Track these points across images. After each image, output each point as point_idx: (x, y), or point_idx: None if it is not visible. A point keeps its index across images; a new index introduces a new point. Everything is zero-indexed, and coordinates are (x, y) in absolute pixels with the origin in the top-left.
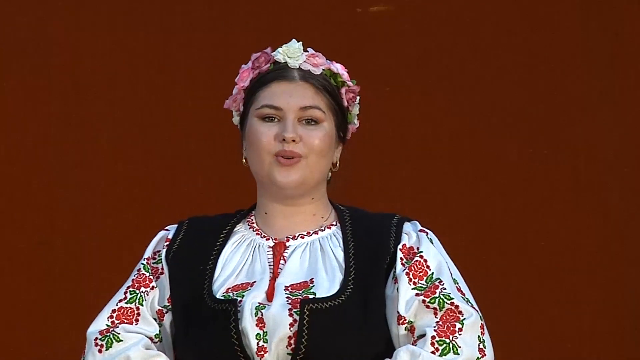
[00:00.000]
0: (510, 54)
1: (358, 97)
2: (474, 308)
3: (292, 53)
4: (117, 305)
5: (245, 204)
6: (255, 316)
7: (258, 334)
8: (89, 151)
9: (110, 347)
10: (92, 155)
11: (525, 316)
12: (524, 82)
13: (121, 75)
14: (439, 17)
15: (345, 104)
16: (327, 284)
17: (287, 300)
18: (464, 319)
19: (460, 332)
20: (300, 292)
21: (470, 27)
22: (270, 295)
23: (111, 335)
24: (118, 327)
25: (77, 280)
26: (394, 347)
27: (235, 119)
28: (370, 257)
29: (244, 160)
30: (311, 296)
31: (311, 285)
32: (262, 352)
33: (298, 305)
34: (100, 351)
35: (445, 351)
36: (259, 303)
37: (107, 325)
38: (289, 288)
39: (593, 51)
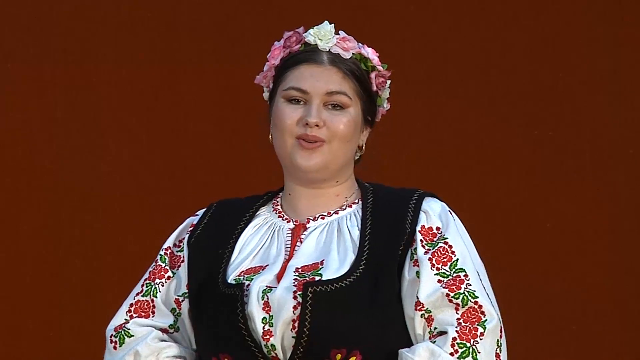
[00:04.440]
0: (515, 36)
1: (389, 81)
2: (495, 310)
3: (323, 35)
4: (134, 299)
5: (255, 190)
6: (262, 300)
7: (264, 317)
8: (94, 135)
9: (123, 343)
10: (98, 140)
11: (531, 298)
12: (529, 64)
13: (127, 59)
14: (444, 0)
15: (375, 88)
16: (337, 265)
17: (294, 283)
18: (486, 321)
19: (481, 337)
20: (308, 273)
21: (476, 10)
22: (280, 277)
23: (122, 332)
24: (129, 322)
25: (83, 262)
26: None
27: (266, 95)
28: (386, 235)
29: (270, 137)
30: (317, 278)
31: (320, 266)
32: (268, 336)
33: (302, 287)
34: (115, 348)
35: (464, 355)
36: (266, 286)
37: (126, 319)
38: (299, 270)
39: (598, 33)
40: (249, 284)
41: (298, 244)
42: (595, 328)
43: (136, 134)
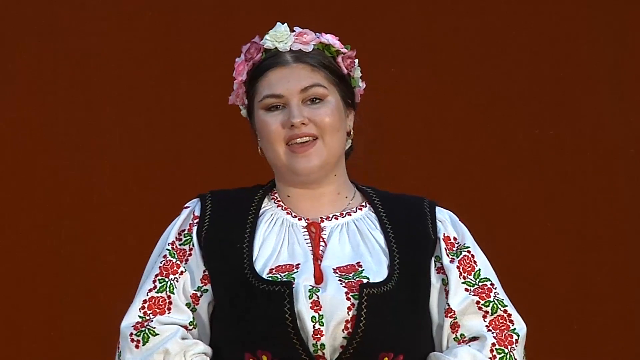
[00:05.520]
0: (516, 34)
1: (357, 60)
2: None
3: (280, 37)
4: (147, 295)
5: (252, 184)
6: (310, 299)
7: (313, 316)
8: (94, 135)
9: (147, 341)
10: (98, 140)
11: (531, 297)
12: (530, 63)
13: (127, 57)
14: (444, 0)
15: (345, 71)
16: (375, 268)
17: (341, 284)
18: (516, 329)
19: (516, 344)
20: (351, 275)
21: (476, 8)
22: (318, 277)
23: (146, 330)
24: (152, 320)
25: (83, 262)
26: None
27: (243, 112)
28: (412, 242)
29: (259, 151)
30: (365, 280)
31: (360, 269)
32: (319, 335)
33: (354, 289)
34: (137, 347)
35: None
36: (311, 286)
37: (140, 317)
38: (337, 271)
39: (599, 32)
40: (293, 282)
41: (322, 244)
42: (595, 328)
43: (136, 134)
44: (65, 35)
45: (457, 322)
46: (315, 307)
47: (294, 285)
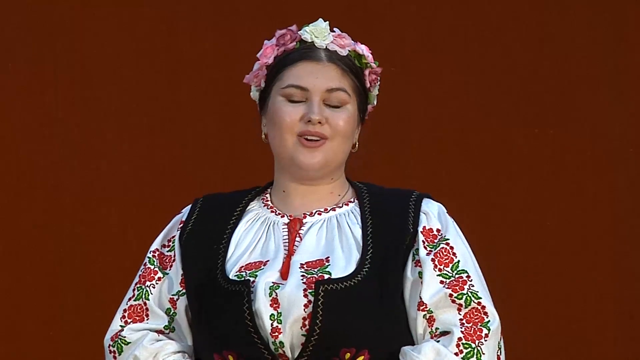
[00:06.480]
0: (516, 34)
1: (379, 78)
2: (496, 311)
3: (319, 33)
4: (127, 304)
5: (251, 185)
6: (270, 296)
7: (272, 314)
8: (94, 135)
9: (121, 351)
10: (98, 140)
11: (531, 296)
12: (530, 63)
13: (127, 57)
14: (444, 0)
15: (368, 85)
16: (343, 263)
17: (302, 280)
18: (489, 322)
19: (486, 338)
20: (316, 270)
21: (476, 8)
22: (284, 273)
23: (119, 340)
24: (124, 329)
25: (83, 262)
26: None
27: (254, 94)
28: (389, 236)
29: (263, 137)
30: (326, 276)
31: (327, 264)
32: (277, 333)
33: (313, 285)
34: (115, 358)
35: (469, 355)
36: (272, 282)
37: (121, 326)
38: (304, 266)
39: (599, 31)
40: (254, 281)
41: (297, 239)
42: (595, 328)
43: (136, 134)
44: (65, 35)
45: (432, 315)
46: (274, 305)
47: (253, 284)
